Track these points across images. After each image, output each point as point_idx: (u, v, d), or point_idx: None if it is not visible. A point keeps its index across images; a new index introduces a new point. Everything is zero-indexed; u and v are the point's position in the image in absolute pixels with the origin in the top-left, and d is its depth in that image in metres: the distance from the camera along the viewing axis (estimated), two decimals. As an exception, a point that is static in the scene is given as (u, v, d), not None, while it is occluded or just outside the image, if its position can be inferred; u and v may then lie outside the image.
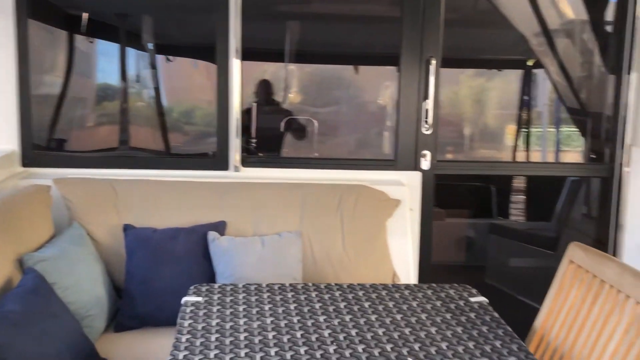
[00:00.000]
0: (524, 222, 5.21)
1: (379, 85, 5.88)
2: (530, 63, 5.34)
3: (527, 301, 3.66)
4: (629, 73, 2.80)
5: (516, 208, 5.49)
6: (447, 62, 2.92)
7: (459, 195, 5.12)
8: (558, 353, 1.70)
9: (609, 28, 3.04)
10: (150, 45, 4.31)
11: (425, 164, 2.78)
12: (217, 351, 1.50)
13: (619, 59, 2.85)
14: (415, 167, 2.79)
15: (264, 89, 4.79)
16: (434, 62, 2.74)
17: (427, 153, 2.78)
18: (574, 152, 5.43)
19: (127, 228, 2.35)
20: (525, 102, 5.69)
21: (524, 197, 5.45)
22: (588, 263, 1.72)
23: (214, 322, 1.67)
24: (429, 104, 2.76)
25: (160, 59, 4.52)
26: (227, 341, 1.56)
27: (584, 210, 3.88)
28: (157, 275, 2.25)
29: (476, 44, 4.70)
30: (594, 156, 3.48)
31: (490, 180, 5.42)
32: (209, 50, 2.80)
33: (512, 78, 6.15)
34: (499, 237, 4.66)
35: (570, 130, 5.16)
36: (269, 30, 4.51)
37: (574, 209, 4.10)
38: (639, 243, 2.81)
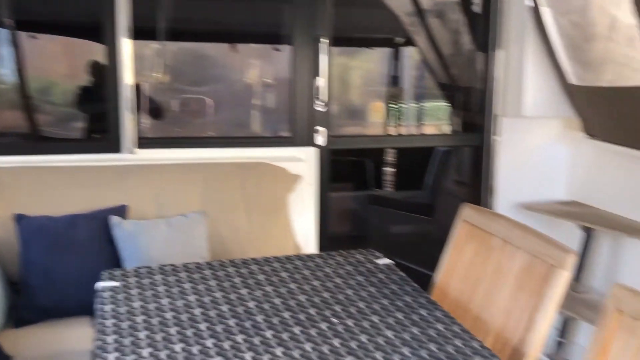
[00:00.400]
0: (401, 192, 5.54)
1: (253, 64, 5.90)
2: (399, 41, 5.64)
3: (408, 264, 3.95)
4: (496, 50, 3.10)
5: (389, 180, 5.83)
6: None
7: (338, 170, 5.34)
8: (459, 304, 1.89)
9: (476, 8, 3.31)
10: (11, 22, 3.99)
11: (321, 139, 2.89)
12: (147, 332, 1.50)
13: (487, 37, 3.13)
14: (312, 143, 2.89)
15: (97, 71, 4.58)
16: (324, 40, 2.83)
17: (322, 129, 2.89)
18: (441, 125, 5.86)
19: (19, 218, 2.21)
20: (394, 79, 6.02)
21: (395, 169, 5.79)
22: (480, 221, 1.93)
23: (136, 305, 1.66)
24: (321, 81, 2.86)
25: (23, 36, 4.21)
26: (155, 321, 1.56)
27: (456, 177, 4.23)
28: (58, 265, 2.15)
29: (351, 23, 4.88)
30: (460, 128, 3.80)
31: (364, 155, 5.69)
32: (93, 28, 2.67)
33: (374, 56, 6.46)
34: (378, 207, 4.93)
35: (440, 104, 5.55)
36: (142, 6, 4.35)
37: (446, 177, 4.46)
38: (509, 204, 3.15)
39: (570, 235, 2.95)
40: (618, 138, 2.77)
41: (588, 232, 2.90)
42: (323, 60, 2.84)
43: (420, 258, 3.76)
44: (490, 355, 1.42)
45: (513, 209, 3.13)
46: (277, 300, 1.71)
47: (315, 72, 2.87)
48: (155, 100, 4.82)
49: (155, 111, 4.78)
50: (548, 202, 3.16)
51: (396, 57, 5.88)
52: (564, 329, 3.01)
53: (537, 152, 3.16)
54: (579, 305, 2.76)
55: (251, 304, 1.68)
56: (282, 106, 5.44)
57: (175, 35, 4.79)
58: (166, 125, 4.93)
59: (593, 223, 2.74)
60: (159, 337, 1.48)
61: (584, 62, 2.71)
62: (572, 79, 2.82)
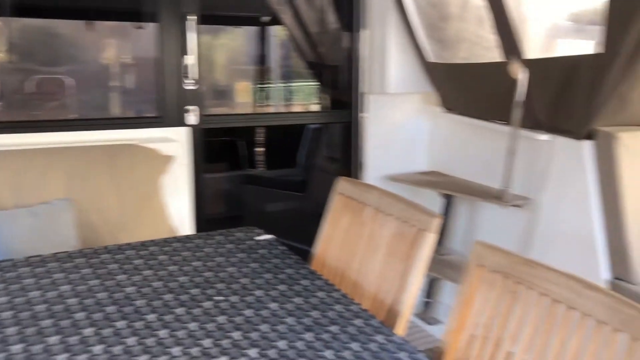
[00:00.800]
0: (274, 170, 5.61)
1: (113, 43, 5.62)
2: (266, 20, 5.64)
3: (284, 241, 4.02)
4: (360, 29, 3.21)
5: (262, 159, 5.87)
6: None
7: (210, 151, 5.28)
8: (337, 272, 1.97)
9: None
10: None
11: (192, 119, 2.84)
12: (17, 327, 1.41)
13: (351, 17, 3.23)
14: (183, 122, 2.83)
15: None
16: (192, 17, 2.77)
17: (193, 108, 2.84)
18: (309, 104, 5.97)
19: None
20: (261, 58, 6.03)
21: (267, 148, 5.84)
22: (354, 192, 2.02)
23: (1, 300, 1.54)
24: (190, 59, 2.80)
25: None
26: (25, 315, 1.47)
27: (327, 154, 4.36)
28: None
29: (217, 0, 4.80)
30: (329, 106, 3.92)
31: (236, 135, 5.67)
32: None
33: (240, 35, 6.42)
34: (253, 186, 4.95)
35: (308, 83, 5.64)
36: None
37: (318, 154, 4.58)
38: (377, 177, 3.31)
39: (432, 202, 3.17)
40: (471, 111, 3.02)
41: (448, 199, 3.14)
42: (191, 38, 2.78)
43: (295, 234, 3.84)
44: (369, 316, 1.51)
45: (381, 181, 3.29)
46: (157, 284, 1.67)
47: (184, 51, 2.80)
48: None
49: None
50: (411, 173, 3.37)
51: (262, 35, 5.88)
52: (430, 290, 3.25)
53: (400, 126, 3.35)
54: (443, 266, 3.00)
55: (130, 289, 1.63)
56: (145, 86, 5.23)
57: (23, 10, 4.42)
58: (21, 108, 4.54)
59: (452, 190, 2.97)
60: (30, 331, 1.39)
61: (441, 41, 2.91)
62: (431, 56, 3.01)
